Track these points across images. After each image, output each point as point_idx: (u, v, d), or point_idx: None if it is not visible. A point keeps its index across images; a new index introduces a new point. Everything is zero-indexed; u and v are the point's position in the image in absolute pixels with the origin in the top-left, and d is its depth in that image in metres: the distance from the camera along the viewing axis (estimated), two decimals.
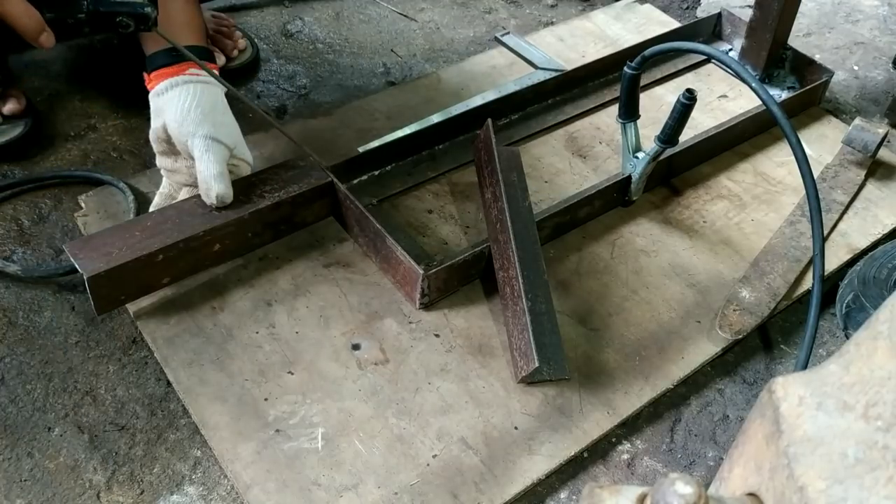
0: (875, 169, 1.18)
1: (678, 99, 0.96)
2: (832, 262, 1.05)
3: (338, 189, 0.99)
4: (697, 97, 0.95)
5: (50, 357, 0.89)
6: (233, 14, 1.40)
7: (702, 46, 1.02)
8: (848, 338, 0.84)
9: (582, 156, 1.17)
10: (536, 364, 0.84)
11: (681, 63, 1.35)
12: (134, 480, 0.80)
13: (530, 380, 0.87)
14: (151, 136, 0.94)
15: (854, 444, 0.39)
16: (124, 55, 1.31)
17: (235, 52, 1.28)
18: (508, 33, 1.38)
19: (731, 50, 1.38)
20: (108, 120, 1.19)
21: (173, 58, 0.92)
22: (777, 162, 1.19)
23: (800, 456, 0.40)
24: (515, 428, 0.84)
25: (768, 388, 0.44)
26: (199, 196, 0.93)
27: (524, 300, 0.88)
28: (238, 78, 1.27)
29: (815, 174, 1.01)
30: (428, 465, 0.80)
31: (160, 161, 0.97)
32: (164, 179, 0.99)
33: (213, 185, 0.90)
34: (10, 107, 1.11)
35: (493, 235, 0.96)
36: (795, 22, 1.30)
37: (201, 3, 1.26)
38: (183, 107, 0.90)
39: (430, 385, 0.87)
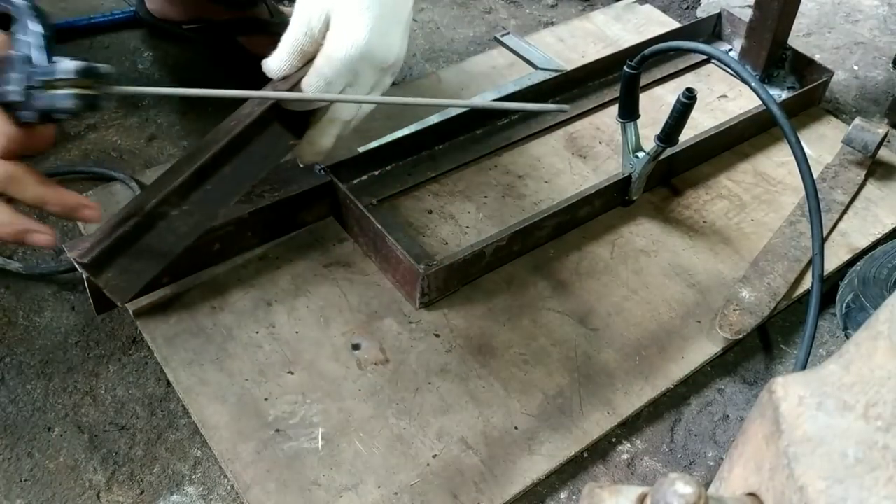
0: (875, 169, 1.18)
1: (678, 98, 0.96)
2: (832, 262, 1.05)
3: (338, 189, 0.99)
4: (697, 97, 0.95)
5: (50, 357, 0.89)
6: None
7: (702, 46, 1.02)
8: (848, 338, 0.84)
9: (582, 156, 1.17)
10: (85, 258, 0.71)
11: (681, 63, 1.35)
12: (134, 480, 0.80)
13: (84, 272, 0.77)
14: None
15: (854, 444, 0.39)
16: (126, 54, 1.31)
17: None
18: (508, 33, 1.38)
19: (730, 50, 1.38)
20: (109, 120, 1.19)
21: None
22: (777, 162, 1.19)
23: (800, 456, 0.40)
24: (515, 428, 0.84)
25: (768, 388, 0.44)
26: None
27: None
28: None
29: (815, 174, 1.01)
30: (428, 465, 0.80)
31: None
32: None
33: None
34: None
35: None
36: (795, 22, 1.30)
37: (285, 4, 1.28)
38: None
39: (430, 385, 0.87)
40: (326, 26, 0.70)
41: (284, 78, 0.74)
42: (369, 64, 0.70)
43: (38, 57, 0.59)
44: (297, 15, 0.71)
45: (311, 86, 0.71)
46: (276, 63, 0.72)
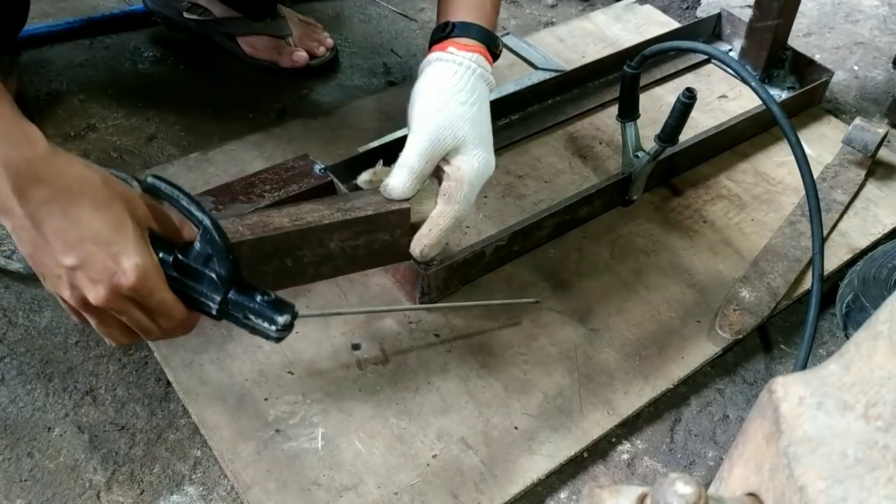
0: (875, 169, 1.18)
1: (678, 98, 0.96)
2: (832, 262, 1.05)
3: (338, 189, 0.99)
4: (697, 97, 0.95)
5: (50, 357, 0.89)
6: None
7: (702, 45, 1.02)
8: (848, 338, 0.84)
9: (582, 156, 1.17)
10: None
11: (681, 63, 1.35)
12: (134, 480, 0.80)
13: None
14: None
15: (854, 444, 0.39)
16: (126, 54, 1.31)
17: (322, 50, 1.31)
18: (508, 33, 1.38)
19: (730, 50, 1.38)
20: (108, 120, 1.19)
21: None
22: (777, 162, 1.19)
23: (800, 456, 0.40)
24: (515, 428, 0.84)
25: (768, 388, 0.44)
26: (199, 196, 0.93)
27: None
28: (320, 75, 1.30)
29: (815, 174, 1.01)
30: (428, 465, 0.80)
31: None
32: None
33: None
34: None
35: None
36: (795, 22, 1.30)
37: (282, 4, 1.29)
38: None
39: (430, 385, 0.87)
40: (446, 152, 0.83)
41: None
42: (485, 180, 0.85)
43: (227, 274, 0.67)
44: (420, 142, 0.82)
45: (462, 210, 0.83)
46: (398, 187, 0.83)
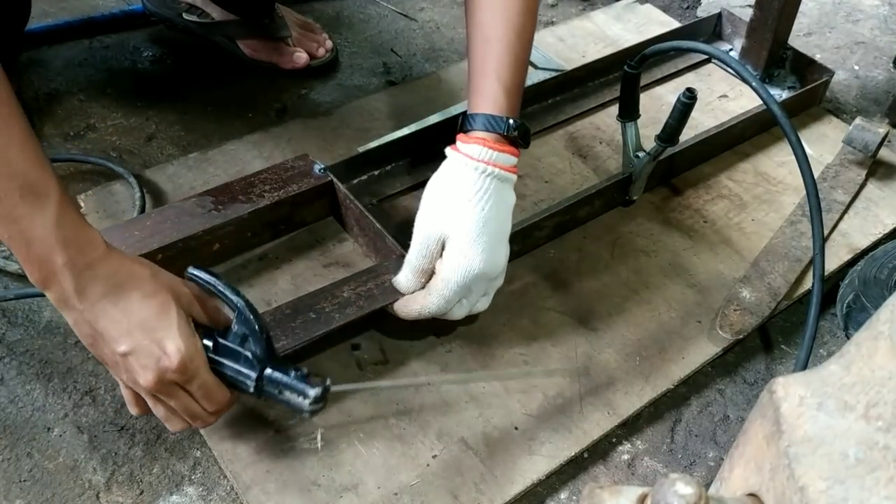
0: (876, 169, 1.18)
1: (678, 98, 0.95)
2: (833, 262, 1.05)
3: (337, 189, 0.99)
4: (698, 97, 0.95)
5: (50, 357, 0.89)
6: None
7: (702, 45, 1.02)
8: (848, 338, 0.84)
9: (582, 156, 1.17)
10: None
11: (681, 63, 1.35)
12: (133, 481, 0.79)
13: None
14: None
15: (855, 445, 0.39)
16: (126, 54, 1.31)
17: (322, 52, 1.31)
18: None
19: (731, 50, 1.38)
20: (108, 120, 1.19)
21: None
22: (777, 162, 1.19)
23: (800, 456, 0.40)
24: (515, 428, 0.84)
25: (769, 388, 0.44)
26: (199, 196, 0.93)
27: None
28: (320, 75, 1.30)
29: (816, 174, 1.01)
30: (428, 465, 0.80)
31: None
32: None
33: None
34: None
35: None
36: (796, 21, 1.30)
37: (280, 3, 1.29)
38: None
39: (430, 385, 0.87)
40: (442, 246, 0.83)
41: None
42: (481, 281, 0.84)
43: (261, 353, 0.72)
44: (416, 238, 0.84)
45: (433, 304, 0.83)
46: (402, 283, 0.86)
